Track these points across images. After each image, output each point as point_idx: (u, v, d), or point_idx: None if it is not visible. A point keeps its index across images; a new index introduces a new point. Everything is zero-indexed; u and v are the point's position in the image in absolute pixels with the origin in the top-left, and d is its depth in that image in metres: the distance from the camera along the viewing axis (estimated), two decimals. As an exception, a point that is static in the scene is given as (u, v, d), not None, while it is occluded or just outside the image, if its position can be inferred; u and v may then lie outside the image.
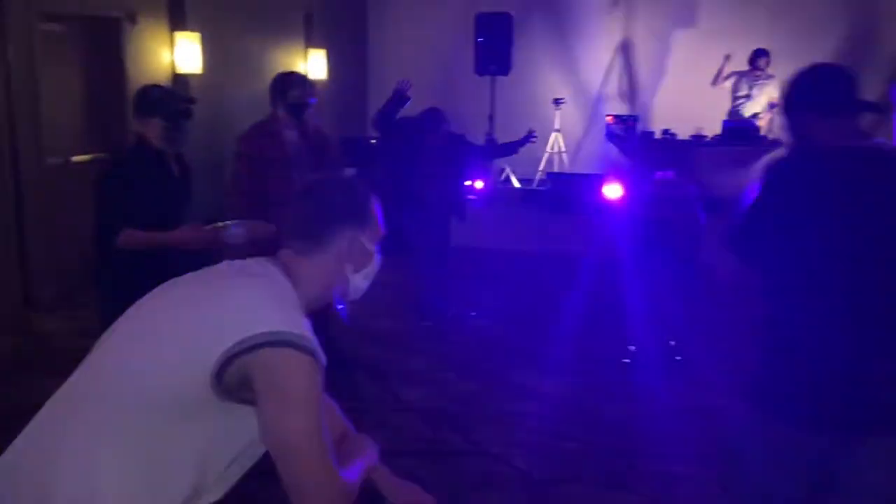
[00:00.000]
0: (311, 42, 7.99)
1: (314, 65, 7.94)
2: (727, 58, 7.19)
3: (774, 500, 1.72)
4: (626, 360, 4.06)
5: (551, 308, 5.21)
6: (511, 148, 5.52)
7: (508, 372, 4.06)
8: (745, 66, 7.32)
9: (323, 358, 1.24)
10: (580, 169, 8.10)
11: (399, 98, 4.74)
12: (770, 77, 7.22)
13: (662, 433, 3.22)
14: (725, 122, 7.19)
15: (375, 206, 1.42)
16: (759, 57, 7.15)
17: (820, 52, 8.07)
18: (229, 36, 6.60)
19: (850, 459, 1.63)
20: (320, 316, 1.42)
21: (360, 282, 1.41)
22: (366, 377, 3.97)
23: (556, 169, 8.03)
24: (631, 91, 8.64)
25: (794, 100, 1.84)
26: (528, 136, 5.42)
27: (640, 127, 7.57)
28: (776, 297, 1.78)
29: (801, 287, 1.70)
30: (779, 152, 1.89)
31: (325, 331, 3.93)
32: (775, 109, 7.34)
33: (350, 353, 4.21)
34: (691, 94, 7.75)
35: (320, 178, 1.50)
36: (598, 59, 8.71)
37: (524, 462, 3.07)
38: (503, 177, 8.06)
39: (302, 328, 1.22)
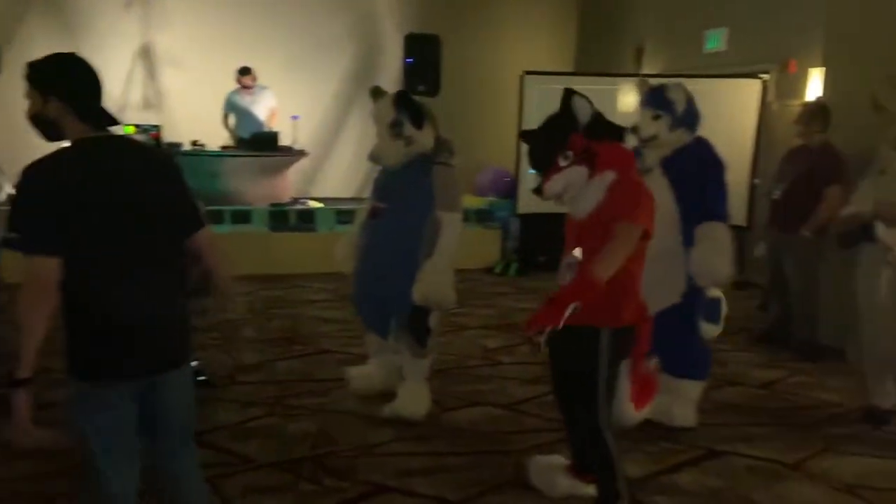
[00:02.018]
0: None
1: None
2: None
3: (119, 458, 1.98)
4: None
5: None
6: None
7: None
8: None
9: None
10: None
11: None
12: (264, 88, 7.67)
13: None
14: (252, 133, 7.31)
15: None
16: (242, 75, 7.51)
17: (337, 65, 8.90)
18: None
19: (160, 392, 2.04)
20: None
21: None
22: None
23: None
24: (157, 99, 8.22)
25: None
26: None
27: (165, 137, 7.21)
28: (79, 282, 1.88)
29: (90, 266, 1.89)
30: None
31: None
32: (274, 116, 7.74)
33: None
34: (217, 104, 7.72)
35: None
36: (116, 63, 8.04)
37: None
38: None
39: None
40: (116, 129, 2.07)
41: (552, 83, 7.05)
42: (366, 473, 3.10)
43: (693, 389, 3.63)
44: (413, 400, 3.62)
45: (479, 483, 3.04)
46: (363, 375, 3.91)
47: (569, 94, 2.45)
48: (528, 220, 7.16)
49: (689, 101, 3.43)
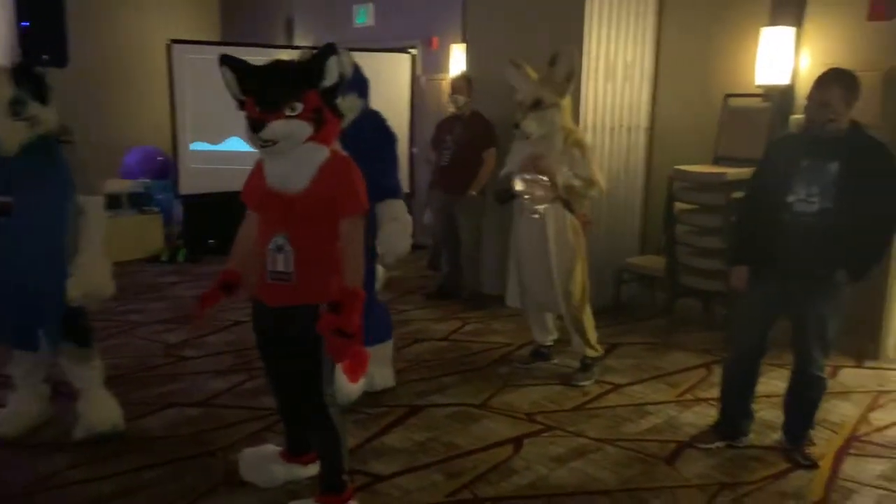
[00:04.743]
0: None
1: None
2: None
3: None
4: None
5: None
6: None
7: None
8: None
9: None
10: None
11: None
12: None
13: None
14: None
15: None
16: None
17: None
18: None
19: None
20: None
21: None
22: None
23: None
24: None
25: None
26: None
27: None
28: None
29: None
30: None
31: None
32: None
33: None
34: None
35: None
36: None
37: None
38: None
39: None
40: None
41: (202, 53, 6.62)
42: (44, 514, 2.61)
43: (385, 351, 3.76)
44: (103, 410, 3.15)
45: (186, 493, 2.76)
46: (7, 419, 3.23)
47: (331, 50, 2.29)
48: (193, 201, 6.67)
49: (356, 67, 3.46)
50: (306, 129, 2.30)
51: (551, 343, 4.25)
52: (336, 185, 2.33)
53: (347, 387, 2.63)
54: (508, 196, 3.99)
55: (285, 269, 2.36)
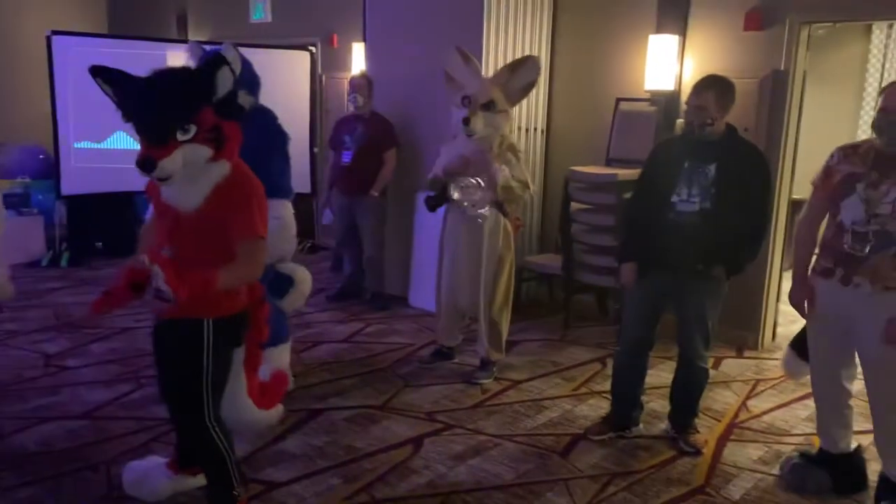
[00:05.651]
0: None
1: None
2: None
3: None
4: None
5: None
6: None
7: None
8: None
9: None
10: None
11: None
12: None
13: None
14: None
15: None
16: None
17: None
18: None
19: None
20: None
21: None
22: None
23: None
24: None
25: None
26: None
27: None
28: None
29: None
30: None
31: None
32: None
33: None
34: None
35: None
36: None
37: None
38: None
39: None
40: None
41: (86, 46, 6.27)
42: None
43: (281, 354, 3.65)
44: None
45: (64, 511, 2.61)
46: None
47: (220, 62, 2.07)
48: (76, 202, 6.30)
49: (246, 62, 3.35)
50: (204, 152, 2.09)
51: (454, 344, 4.27)
52: (230, 207, 2.14)
53: (249, 409, 2.50)
54: (442, 201, 3.94)
55: (165, 289, 2.12)
